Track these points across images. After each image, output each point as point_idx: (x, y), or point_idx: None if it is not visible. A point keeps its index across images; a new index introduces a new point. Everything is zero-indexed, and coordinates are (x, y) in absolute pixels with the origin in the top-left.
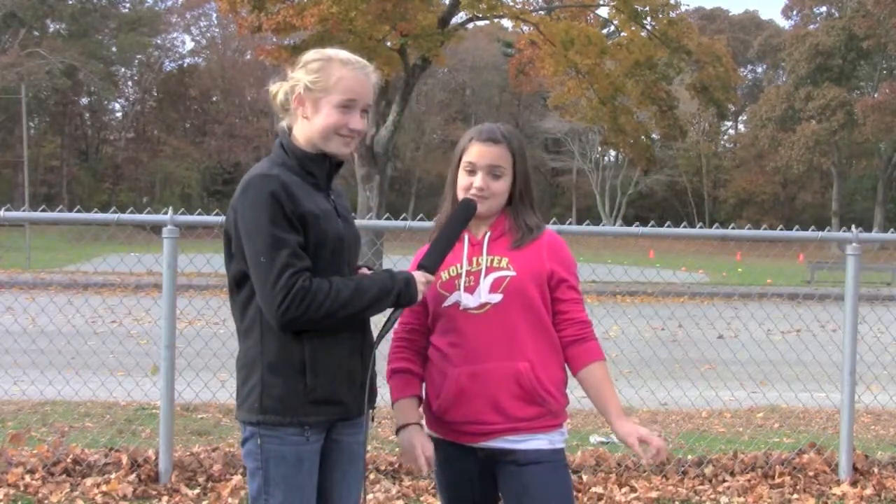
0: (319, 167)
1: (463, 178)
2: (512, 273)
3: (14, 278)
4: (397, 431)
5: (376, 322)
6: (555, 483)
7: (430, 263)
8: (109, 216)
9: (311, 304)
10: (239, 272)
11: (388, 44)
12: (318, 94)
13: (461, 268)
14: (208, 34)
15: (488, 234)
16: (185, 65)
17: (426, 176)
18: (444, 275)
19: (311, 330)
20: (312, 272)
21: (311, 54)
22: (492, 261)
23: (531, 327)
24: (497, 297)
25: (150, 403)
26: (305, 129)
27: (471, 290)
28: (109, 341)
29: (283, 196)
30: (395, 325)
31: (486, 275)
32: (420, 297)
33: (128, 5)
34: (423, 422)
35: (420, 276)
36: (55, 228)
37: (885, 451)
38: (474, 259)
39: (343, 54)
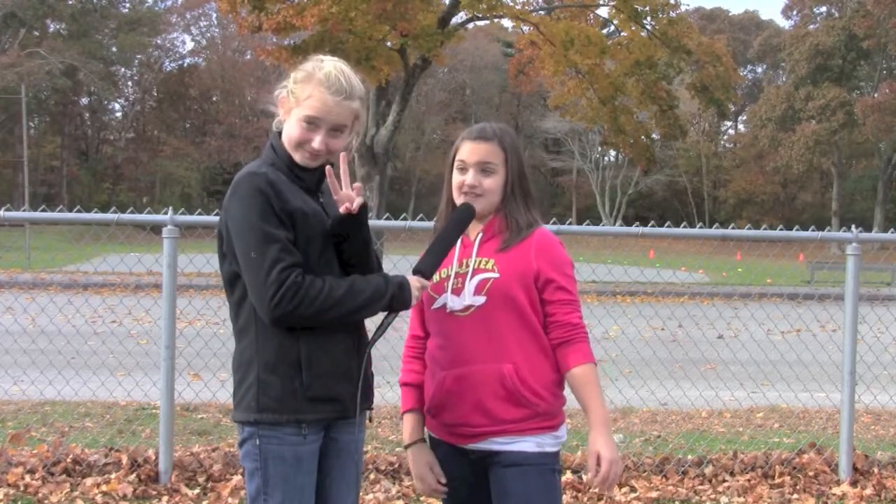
0: (306, 170)
1: (456, 177)
2: (495, 275)
3: (14, 278)
4: (405, 447)
5: (375, 322)
6: (536, 487)
7: (426, 267)
8: (109, 216)
9: (304, 300)
10: (231, 272)
11: (388, 44)
12: (292, 104)
13: (451, 270)
14: (208, 34)
15: (480, 235)
16: (185, 65)
17: (426, 176)
18: (435, 277)
19: (307, 328)
20: (303, 269)
21: (305, 64)
22: (479, 263)
23: (517, 329)
24: (481, 300)
25: (150, 403)
26: (284, 133)
27: (457, 292)
28: (109, 341)
29: (270, 193)
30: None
31: (471, 277)
32: (415, 301)
33: (128, 5)
34: (425, 435)
35: (415, 281)
36: (55, 228)
37: (885, 451)
38: (464, 261)
39: (328, 72)
